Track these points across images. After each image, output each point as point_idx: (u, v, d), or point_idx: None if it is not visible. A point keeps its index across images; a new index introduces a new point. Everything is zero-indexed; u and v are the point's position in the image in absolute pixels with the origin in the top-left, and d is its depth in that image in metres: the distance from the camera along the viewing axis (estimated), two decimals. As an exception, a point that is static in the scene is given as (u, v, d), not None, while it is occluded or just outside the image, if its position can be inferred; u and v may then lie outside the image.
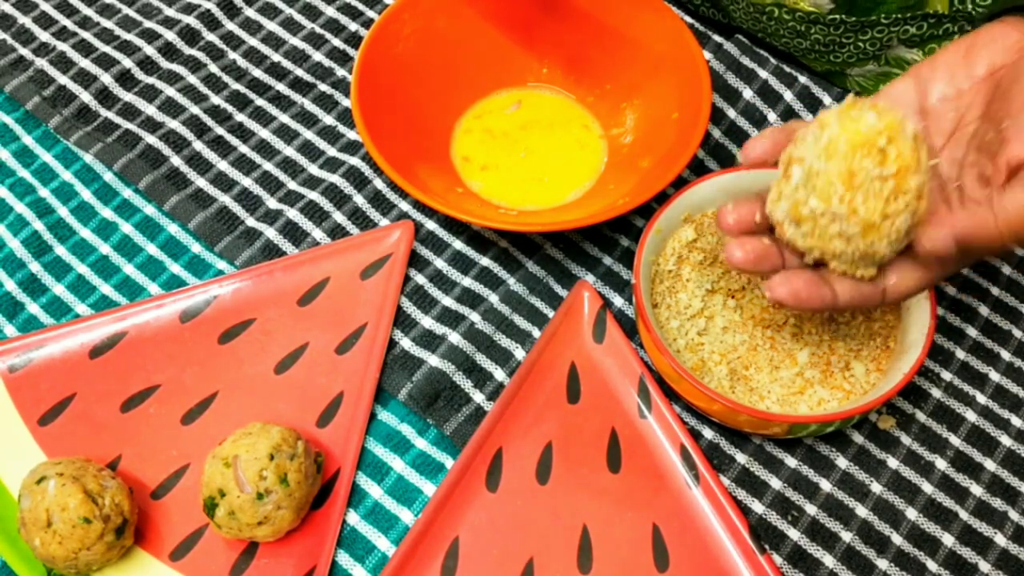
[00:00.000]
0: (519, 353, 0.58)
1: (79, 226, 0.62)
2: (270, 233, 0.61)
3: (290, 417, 0.55)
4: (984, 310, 0.61)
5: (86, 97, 0.66)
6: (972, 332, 0.60)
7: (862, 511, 0.54)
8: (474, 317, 0.59)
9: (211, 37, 0.70)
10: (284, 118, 0.66)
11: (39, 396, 0.55)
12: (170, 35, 0.69)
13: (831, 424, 0.52)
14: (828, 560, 0.53)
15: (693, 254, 0.57)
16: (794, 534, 0.53)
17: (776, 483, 0.55)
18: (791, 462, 0.55)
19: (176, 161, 0.64)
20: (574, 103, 0.67)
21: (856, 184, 0.42)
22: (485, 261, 0.61)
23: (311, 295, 0.59)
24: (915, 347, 0.52)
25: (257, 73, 0.68)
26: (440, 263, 0.61)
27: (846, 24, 0.64)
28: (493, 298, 0.60)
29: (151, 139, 0.64)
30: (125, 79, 0.67)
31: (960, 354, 0.59)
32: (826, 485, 0.55)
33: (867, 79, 0.70)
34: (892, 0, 0.62)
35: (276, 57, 0.69)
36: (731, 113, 0.67)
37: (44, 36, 0.69)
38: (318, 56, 0.69)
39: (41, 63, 0.67)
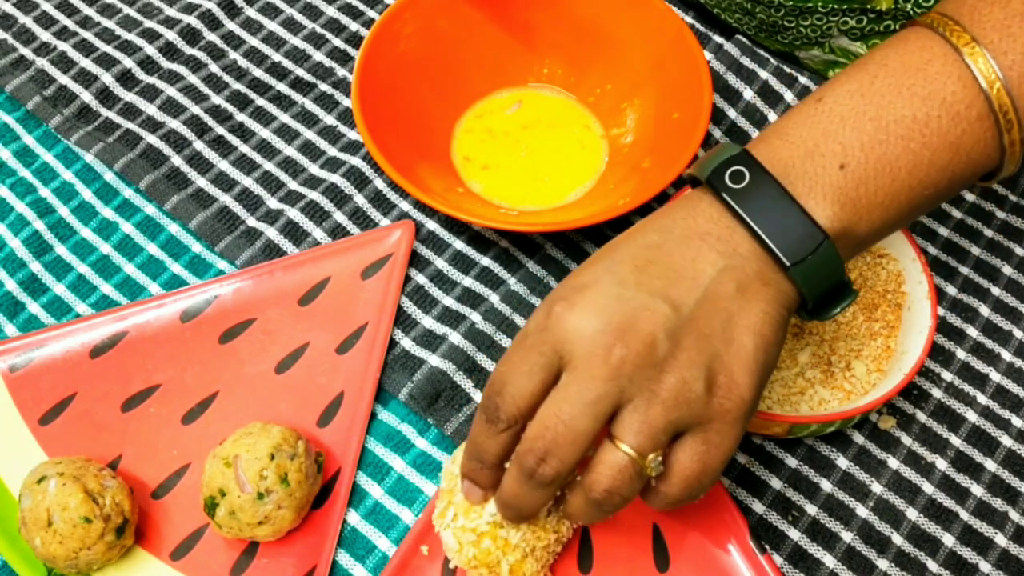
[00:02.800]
0: (520, 353, 0.58)
1: (80, 226, 0.62)
2: (271, 233, 0.61)
3: (291, 417, 0.55)
4: (985, 310, 0.61)
5: (87, 97, 0.66)
6: (973, 332, 0.60)
7: (862, 511, 0.54)
8: (475, 317, 0.59)
9: (212, 37, 0.70)
10: (285, 118, 0.66)
11: (40, 396, 0.55)
12: (171, 35, 0.69)
13: (832, 424, 0.52)
14: (828, 560, 0.53)
15: (694, 254, 0.57)
16: (794, 534, 0.53)
17: (776, 483, 0.55)
18: (791, 462, 0.55)
19: (177, 161, 0.64)
20: (575, 103, 0.67)
21: None
22: (486, 261, 0.61)
23: (312, 295, 0.59)
24: (916, 347, 0.52)
25: (258, 73, 0.68)
26: (441, 263, 0.61)
27: (785, 7, 0.64)
28: (494, 298, 0.60)
29: (152, 139, 0.65)
30: (126, 79, 0.67)
31: (961, 354, 0.59)
32: (826, 485, 0.55)
33: (815, 63, 0.70)
34: None
35: (277, 57, 0.69)
36: (731, 114, 0.67)
37: (45, 36, 0.69)
38: (319, 56, 0.69)
39: (42, 63, 0.67)
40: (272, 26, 0.70)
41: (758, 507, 0.54)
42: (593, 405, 0.39)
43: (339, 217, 0.62)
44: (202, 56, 0.69)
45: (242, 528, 0.49)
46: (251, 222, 0.62)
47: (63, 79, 0.67)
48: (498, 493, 0.44)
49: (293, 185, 0.64)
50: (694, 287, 0.40)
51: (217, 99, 0.67)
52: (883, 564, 0.53)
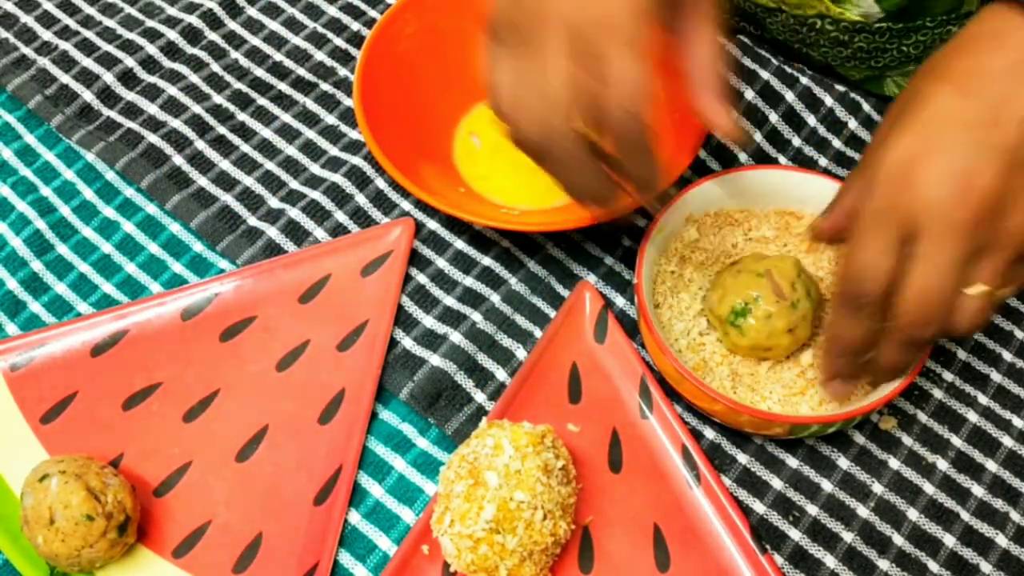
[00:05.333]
0: (520, 353, 0.58)
1: (81, 225, 0.62)
2: (272, 232, 0.61)
3: (292, 414, 0.55)
4: (985, 311, 0.61)
5: (88, 96, 0.66)
6: (973, 333, 0.60)
7: (863, 511, 0.54)
8: (475, 317, 0.59)
9: (213, 36, 0.70)
10: (286, 117, 0.66)
11: (41, 394, 0.55)
12: (172, 34, 0.69)
13: (832, 424, 0.52)
14: (829, 560, 0.53)
15: (695, 254, 0.57)
16: (795, 534, 0.53)
17: (777, 483, 0.55)
18: (792, 462, 0.55)
19: (178, 160, 0.64)
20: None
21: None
22: (487, 261, 0.61)
23: (312, 292, 0.59)
24: (917, 347, 0.52)
25: (259, 72, 0.68)
26: (441, 262, 0.61)
27: (892, 31, 0.64)
28: (495, 298, 0.60)
29: (153, 138, 0.65)
30: (127, 78, 0.67)
31: (961, 355, 0.59)
32: (827, 485, 0.55)
33: (906, 78, 0.70)
34: (939, 4, 0.63)
35: (278, 56, 0.69)
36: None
37: (46, 35, 0.69)
38: (320, 56, 0.69)
39: (43, 62, 0.67)
40: (273, 25, 0.71)
41: (759, 507, 0.54)
42: (957, 267, 0.42)
43: (340, 217, 0.62)
44: (203, 55, 0.69)
45: (770, 335, 0.52)
46: (252, 222, 0.62)
47: (64, 78, 0.67)
48: (881, 364, 0.47)
49: (294, 185, 0.64)
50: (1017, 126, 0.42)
51: (218, 98, 0.67)
52: (884, 564, 0.53)
